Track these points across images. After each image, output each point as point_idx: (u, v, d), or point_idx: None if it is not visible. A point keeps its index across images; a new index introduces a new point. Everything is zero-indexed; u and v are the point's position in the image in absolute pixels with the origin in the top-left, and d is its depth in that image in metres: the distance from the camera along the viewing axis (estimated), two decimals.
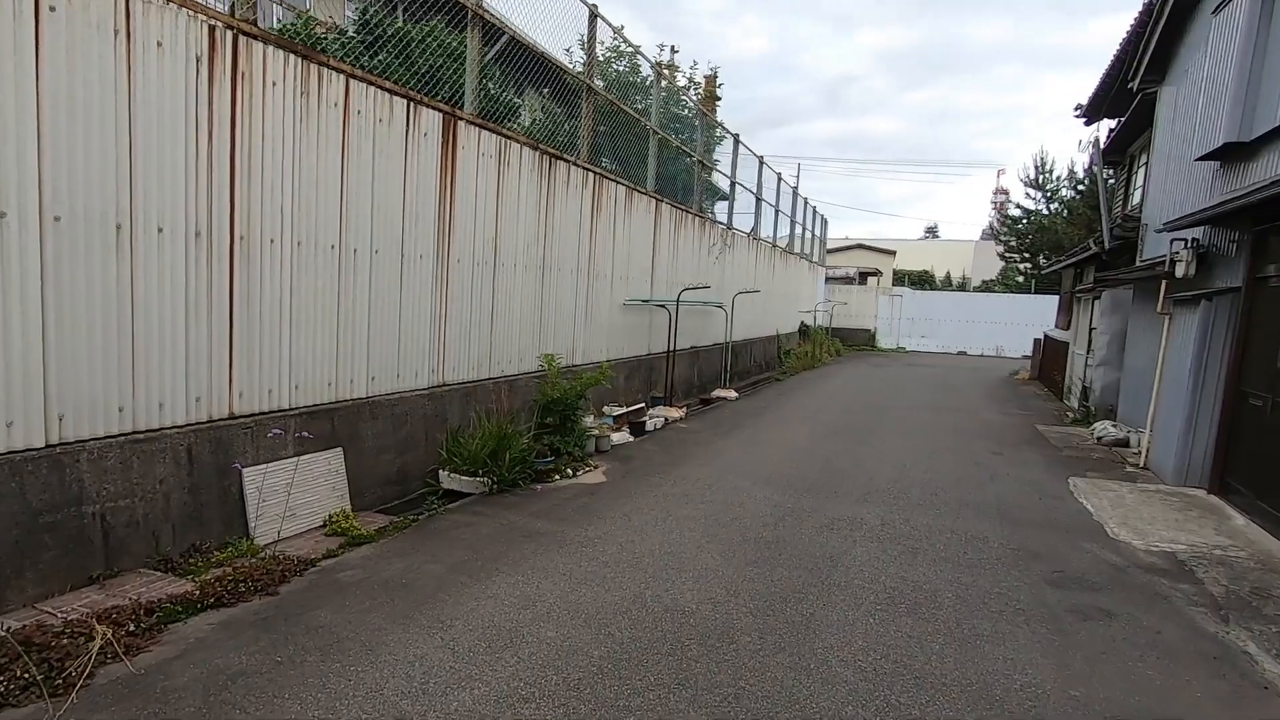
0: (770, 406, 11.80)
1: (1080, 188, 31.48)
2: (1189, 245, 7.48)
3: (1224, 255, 7.09)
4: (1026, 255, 35.48)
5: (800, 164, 32.24)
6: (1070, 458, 8.51)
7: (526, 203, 7.32)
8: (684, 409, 10.74)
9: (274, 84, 4.53)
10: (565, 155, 8.05)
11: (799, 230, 22.03)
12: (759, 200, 17.02)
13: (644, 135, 10.46)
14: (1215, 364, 6.80)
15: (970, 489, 6.76)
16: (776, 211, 18.91)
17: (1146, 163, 12.49)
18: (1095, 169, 11.09)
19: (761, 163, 16.85)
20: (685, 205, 12.04)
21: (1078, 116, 17.95)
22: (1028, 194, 34.91)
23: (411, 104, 5.67)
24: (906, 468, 7.54)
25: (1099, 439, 9.50)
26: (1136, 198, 15.16)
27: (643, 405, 9.38)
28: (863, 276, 31.76)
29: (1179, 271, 7.48)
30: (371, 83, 5.29)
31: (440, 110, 5.99)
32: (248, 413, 4.59)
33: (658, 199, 10.64)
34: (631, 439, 8.47)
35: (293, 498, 4.80)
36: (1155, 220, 9.59)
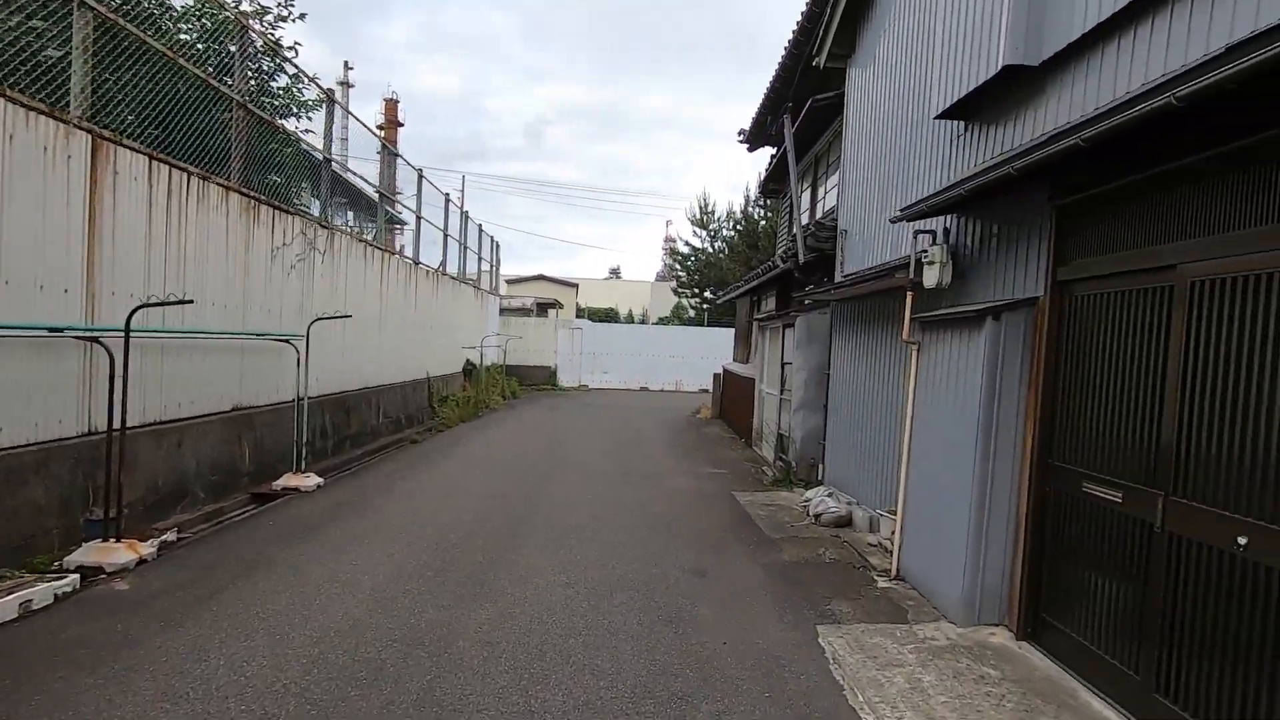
0: (363, 502, 7.22)
1: (739, 227, 33.24)
2: (942, 238, 5.05)
3: (988, 253, 4.72)
4: (696, 290, 36.81)
5: (465, 176, 28.50)
6: (798, 566, 5.57)
7: None
8: (162, 536, 5.60)
9: None
10: None
11: (457, 247, 17.95)
12: (383, 196, 12.49)
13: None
14: (1010, 423, 4.23)
15: None
16: (418, 218, 14.57)
17: (824, 168, 11.16)
18: (789, 147, 8.98)
19: (383, 145, 12.40)
20: (211, 173, 7.00)
21: (741, 142, 16.98)
22: (695, 232, 36.23)
23: None
24: (545, 666, 3.66)
25: (817, 516, 6.92)
26: (805, 220, 14.30)
27: None
28: (542, 308, 28.98)
29: (930, 279, 4.98)
30: None
31: None
32: None
33: (95, 134, 5.49)
34: None
35: None
36: (856, 223, 7.53)
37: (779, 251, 15.59)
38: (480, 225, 20.87)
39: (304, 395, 8.38)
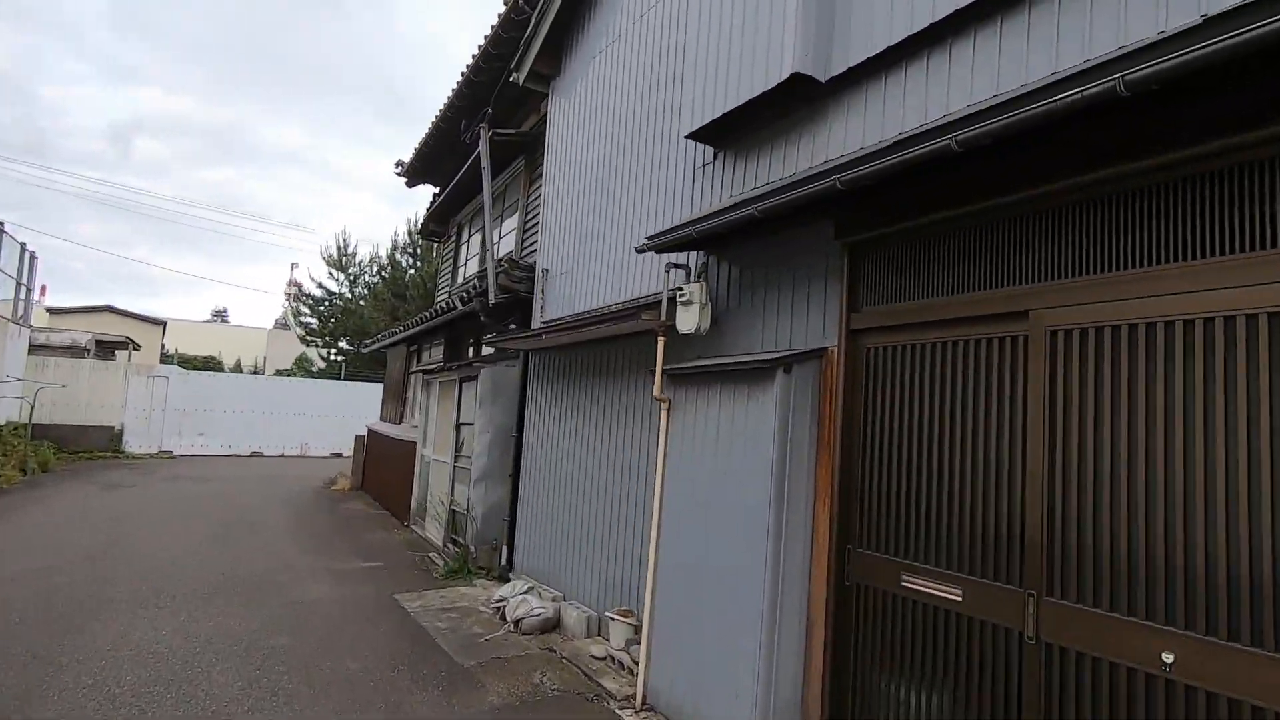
0: None
1: (384, 273, 30.69)
2: (699, 274, 4.20)
3: (751, 295, 4.01)
4: (329, 339, 32.58)
5: None
6: (513, 711, 3.95)
7: None
8: None
9: None
10: None
11: None
12: None
13: None
14: (800, 499, 3.42)
15: None
16: None
17: (499, 211, 10.03)
18: (484, 164, 7.54)
19: None
20: None
21: (399, 174, 15.28)
22: (331, 274, 32.38)
23: None
24: None
25: (516, 623, 5.37)
26: (472, 267, 13.00)
27: None
28: (106, 349, 21.80)
29: (688, 322, 4.07)
30: None
31: None
32: None
33: None
34: None
35: None
36: (563, 262, 6.49)
37: (441, 298, 13.95)
38: (1, 223, 14.57)
39: None
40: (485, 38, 9.28)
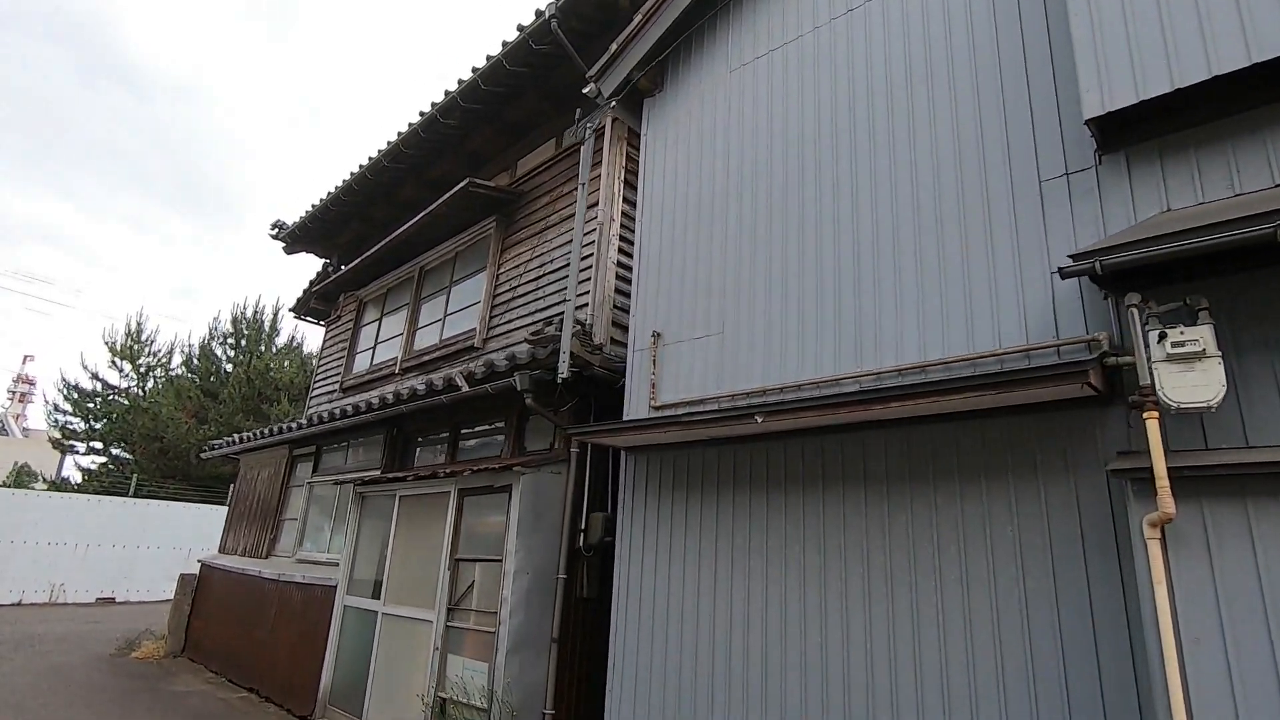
0: None
1: (194, 364, 25.53)
2: (1184, 312, 2.60)
3: (1263, 355, 2.51)
4: (100, 445, 25.79)
5: None
6: None
7: None
8: None
9: None
10: None
11: None
12: None
13: None
14: None
15: None
16: None
17: (443, 284, 7.77)
18: (584, 158, 5.37)
19: None
20: None
21: (276, 237, 12.58)
22: (115, 364, 26.39)
23: None
24: None
25: None
26: (383, 354, 10.26)
27: None
28: None
29: (1199, 390, 2.37)
30: None
31: None
32: None
33: None
34: None
35: None
36: (693, 325, 4.57)
37: (321, 398, 10.74)
38: None
39: None
40: (474, 70, 7.60)
